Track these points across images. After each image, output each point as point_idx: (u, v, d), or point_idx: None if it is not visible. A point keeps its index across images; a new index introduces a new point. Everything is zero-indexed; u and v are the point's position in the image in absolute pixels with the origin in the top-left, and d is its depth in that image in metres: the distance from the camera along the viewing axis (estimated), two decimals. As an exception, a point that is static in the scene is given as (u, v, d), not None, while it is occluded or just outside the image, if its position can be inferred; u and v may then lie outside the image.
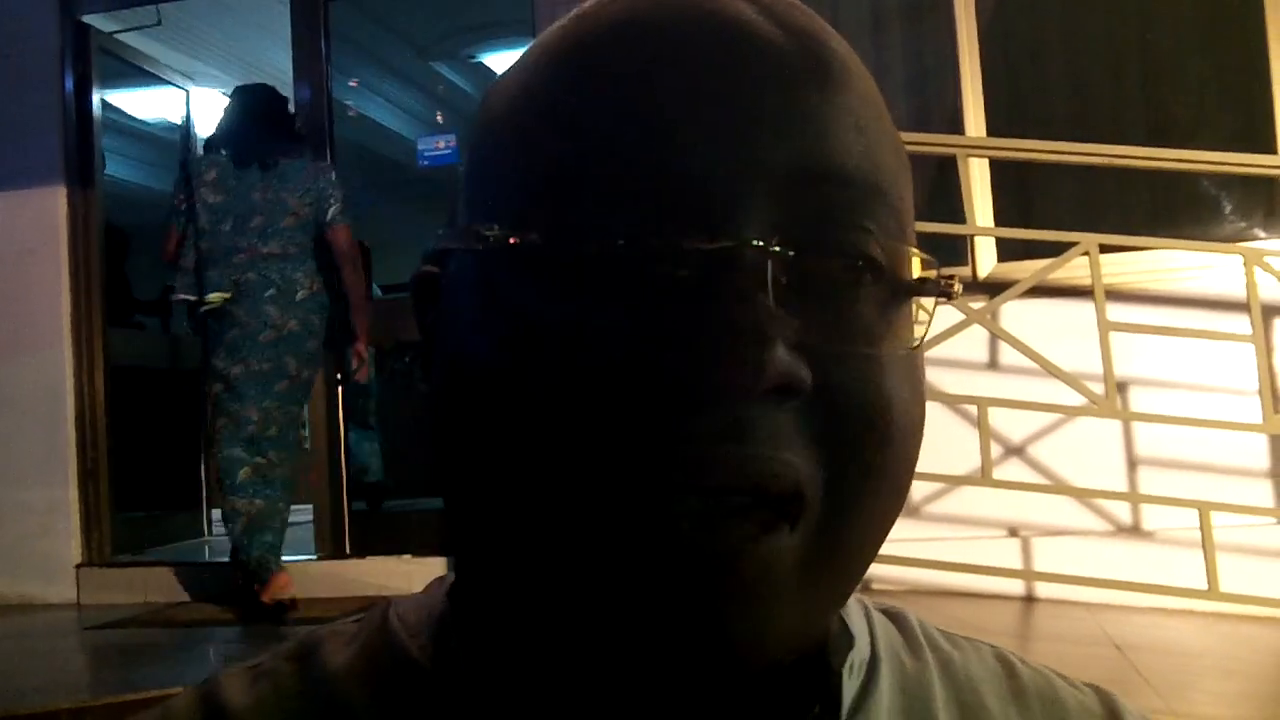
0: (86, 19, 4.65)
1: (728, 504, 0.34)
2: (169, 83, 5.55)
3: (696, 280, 0.35)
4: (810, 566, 0.36)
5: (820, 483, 0.36)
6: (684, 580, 0.34)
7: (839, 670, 0.43)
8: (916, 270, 0.39)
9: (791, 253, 0.36)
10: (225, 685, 0.45)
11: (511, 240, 0.38)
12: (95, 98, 4.63)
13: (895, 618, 0.49)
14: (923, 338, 0.40)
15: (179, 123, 5.63)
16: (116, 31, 4.95)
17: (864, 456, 0.37)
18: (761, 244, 0.35)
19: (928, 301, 0.41)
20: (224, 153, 3.73)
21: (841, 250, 0.37)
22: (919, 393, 0.40)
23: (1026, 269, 3.31)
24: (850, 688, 0.43)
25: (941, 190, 3.76)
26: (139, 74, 5.31)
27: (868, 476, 0.37)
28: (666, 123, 0.36)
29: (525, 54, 0.43)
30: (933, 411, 3.47)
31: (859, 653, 0.44)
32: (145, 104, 5.42)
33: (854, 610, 0.47)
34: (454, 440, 0.39)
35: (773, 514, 0.35)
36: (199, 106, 5.76)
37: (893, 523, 0.40)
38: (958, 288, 0.41)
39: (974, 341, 3.34)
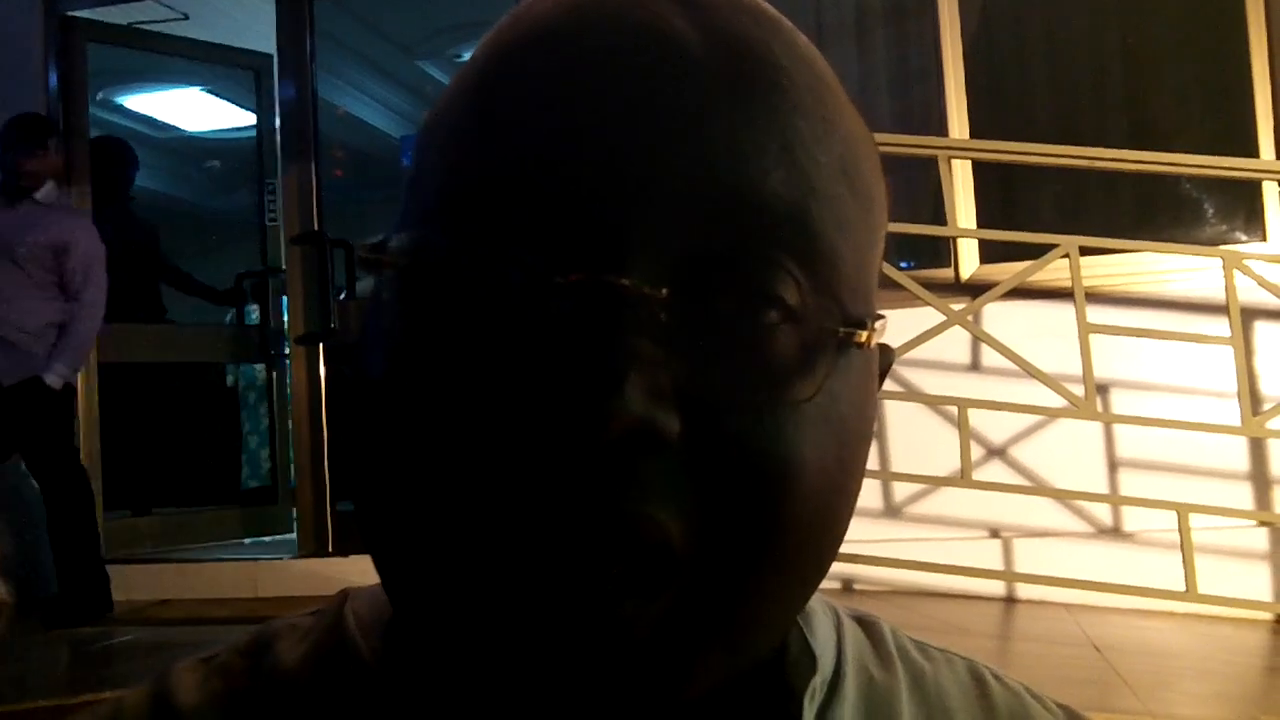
0: (88, 16, 4.61)
1: (584, 561, 0.31)
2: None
3: (565, 316, 0.31)
4: (689, 627, 0.33)
5: (699, 541, 0.32)
6: (534, 632, 0.32)
7: (800, 693, 0.40)
8: (838, 317, 0.35)
9: (664, 290, 0.31)
10: (177, 682, 0.45)
11: (382, 255, 0.35)
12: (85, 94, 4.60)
13: (867, 626, 0.47)
14: (818, 388, 0.34)
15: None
16: (139, 23, 4.84)
17: (753, 514, 0.33)
18: (630, 281, 0.31)
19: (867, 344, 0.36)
20: None
21: (739, 287, 0.33)
22: (844, 446, 0.35)
23: (1008, 271, 3.31)
24: (810, 711, 0.40)
25: (924, 191, 3.77)
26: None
27: (759, 535, 0.33)
28: (559, 143, 0.33)
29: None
30: (914, 412, 3.44)
31: (821, 674, 0.42)
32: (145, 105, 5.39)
33: (822, 621, 0.44)
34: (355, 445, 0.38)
35: (633, 573, 0.32)
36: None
37: (810, 582, 0.37)
38: (873, 337, 0.36)
39: (955, 343, 3.33)
